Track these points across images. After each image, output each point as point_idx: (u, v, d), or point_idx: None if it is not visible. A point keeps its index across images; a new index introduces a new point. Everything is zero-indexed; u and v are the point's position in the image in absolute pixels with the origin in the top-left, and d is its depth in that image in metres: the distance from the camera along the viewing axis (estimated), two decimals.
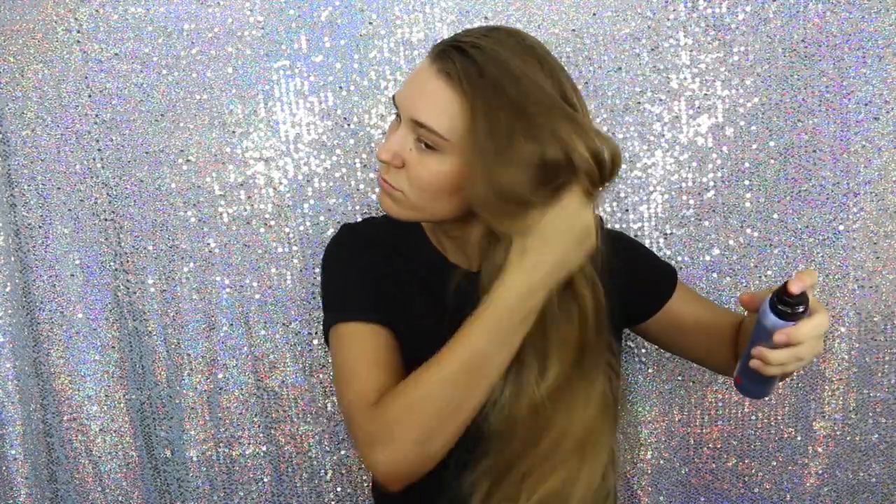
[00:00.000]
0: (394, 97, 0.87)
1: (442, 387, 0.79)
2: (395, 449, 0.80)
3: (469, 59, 0.80)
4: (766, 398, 0.97)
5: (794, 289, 0.74)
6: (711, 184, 1.20)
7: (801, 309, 0.76)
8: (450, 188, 0.84)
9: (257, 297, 1.26)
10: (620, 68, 1.17)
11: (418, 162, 0.84)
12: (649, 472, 1.31)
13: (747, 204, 1.20)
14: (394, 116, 0.92)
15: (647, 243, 1.21)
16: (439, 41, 0.87)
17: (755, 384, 0.85)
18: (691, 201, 1.20)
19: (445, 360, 0.80)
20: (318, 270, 1.24)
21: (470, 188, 0.81)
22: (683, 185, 1.20)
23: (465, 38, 0.83)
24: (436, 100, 0.81)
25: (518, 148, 0.77)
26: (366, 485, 1.32)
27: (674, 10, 1.15)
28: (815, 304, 0.77)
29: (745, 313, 1.21)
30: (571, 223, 0.80)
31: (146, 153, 1.21)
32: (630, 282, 0.95)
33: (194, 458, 1.32)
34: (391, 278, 0.97)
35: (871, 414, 1.28)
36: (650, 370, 1.28)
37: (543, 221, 0.79)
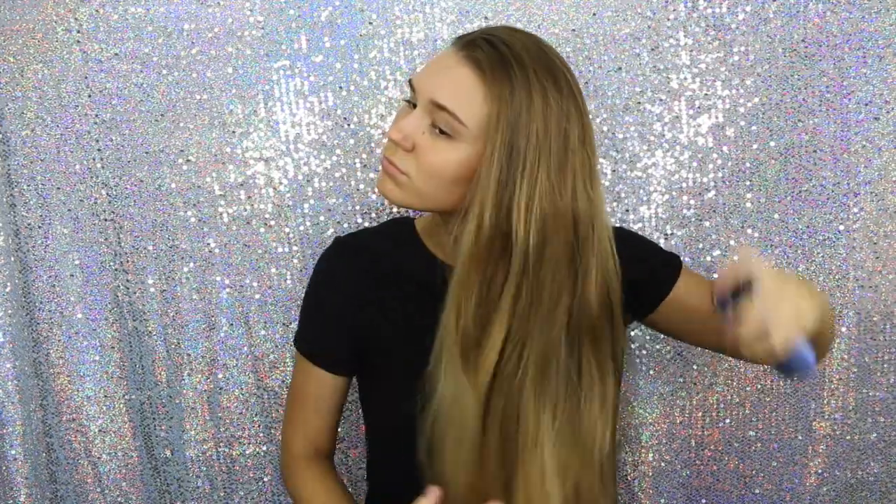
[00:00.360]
0: (409, 80, 0.86)
1: None
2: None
3: (498, 52, 0.80)
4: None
5: (717, 288, 0.74)
6: (712, 184, 1.20)
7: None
8: (456, 177, 0.83)
9: (257, 297, 1.26)
10: (620, 68, 1.17)
11: (430, 146, 0.83)
12: (650, 474, 1.31)
13: (748, 204, 1.20)
14: (395, 112, 0.91)
15: None
16: (466, 33, 0.86)
17: (786, 372, 0.76)
18: (692, 202, 1.20)
19: None
20: None
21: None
22: (684, 185, 1.20)
23: (494, 33, 0.83)
24: (460, 84, 0.81)
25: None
26: (365, 482, 1.32)
27: (674, 10, 1.15)
28: (774, 279, 0.70)
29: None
30: None
31: (146, 153, 1.21)
32: (632, 274, 0.93)
33: (194, 458, 1.32)
34: (387, 281, 0.98)
35: (870, 413, 1.28)
36: (651, 372, 1.28)
37: None
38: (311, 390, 1.02)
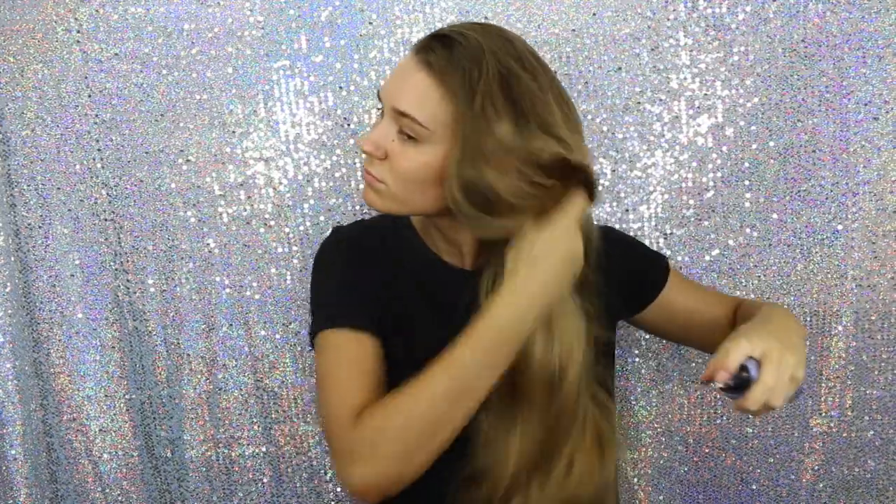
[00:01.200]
0: (378, 92, 0.87)
1: (426, 404, 0.78)
2: (374, 464, 0.78)
3: (450, 48, 0.81)
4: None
5: (719, 380, 0.76)
6: (711, 184, 1.20)
7: (737, 386, 0.76)
8: (431, 179, 0.84)
9: (257, 297, 1.26)
10: (620, 68, 1.17)
11: (401, 152, 0.84)
12: (649, 471, 1.32)
13: (747, 204, 1.21)
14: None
15: (646, 243, 1.21)
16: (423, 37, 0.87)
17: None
18: (691, 201, 1.21)
19: (431, 377, 0.79)
20: None
21: (445, 184, 0.82)
22: (683, 185, 1.20)
23: (446, 32, 0.83)
24: (417, 89, 0.82)
25: (502, 141, 0.78)
26: None
27: (674, 10, 1.15)
28: (767, 354, 0.77)
29: (743, 295, 1.22)
30: (563, 246, 0.81)
31: (146, 153, 1.20)
32: (622, 275, 0.94)
33: (194, 459, 1.32)
34: (384, 280, 0.96)
35: (867, 411, 1.29)
36: (650, 371, 1.29)
37: (535, 240, 0.80)
38: (350, 362, 0.87)
